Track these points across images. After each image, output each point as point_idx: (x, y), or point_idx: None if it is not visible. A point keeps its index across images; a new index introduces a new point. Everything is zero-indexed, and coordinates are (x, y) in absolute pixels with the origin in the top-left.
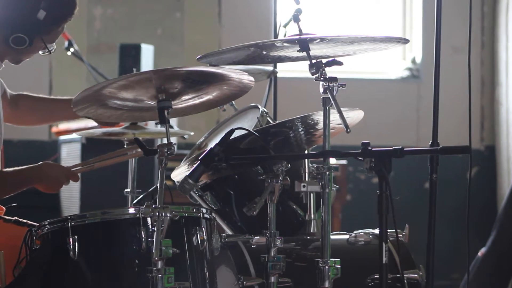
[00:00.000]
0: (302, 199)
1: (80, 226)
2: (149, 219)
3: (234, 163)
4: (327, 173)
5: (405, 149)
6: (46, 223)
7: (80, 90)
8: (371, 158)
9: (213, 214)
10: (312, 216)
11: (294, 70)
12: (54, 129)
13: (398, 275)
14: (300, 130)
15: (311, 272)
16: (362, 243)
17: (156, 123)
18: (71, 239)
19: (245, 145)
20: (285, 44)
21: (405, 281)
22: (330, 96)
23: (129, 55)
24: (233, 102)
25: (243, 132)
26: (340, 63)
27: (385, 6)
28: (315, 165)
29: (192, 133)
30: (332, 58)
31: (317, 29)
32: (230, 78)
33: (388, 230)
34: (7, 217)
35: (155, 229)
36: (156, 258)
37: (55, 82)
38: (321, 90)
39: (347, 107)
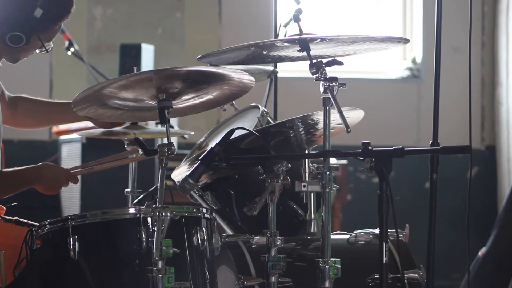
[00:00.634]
0: (303, 199)
1: (80, 226)
2: (149, 219)
3: (235, 163)
4: (328, 173)
5: (405, 149)
6: (46, 223)
7: (80, 90)
8: (371, 158)
9: (214, 214)
10: (313, 216)
11: (295, 70)
12: (54, 129)
13: (399, 275)
14: (300, 130)
15: (312, 272)
16: (363, 243)
17: (157, 123)
18: (71, 239)
19: (246, 145)
20: (286, 44)
21: (406, 281)
22: (330, 96)
23: (130, 55)
24: (233, 102)
25: (243, 132)
26: (340, 63)
27: (385, 6)
28: (315, 165)
29: (193, 133)
30: (333, 58)
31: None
32: (230, 78)
33: (389, 230)
34: (7, 217)
35: (156, 229)
36: (156, 258)
37: (55, 82)
38: (322, 90)
39: (348, 107)
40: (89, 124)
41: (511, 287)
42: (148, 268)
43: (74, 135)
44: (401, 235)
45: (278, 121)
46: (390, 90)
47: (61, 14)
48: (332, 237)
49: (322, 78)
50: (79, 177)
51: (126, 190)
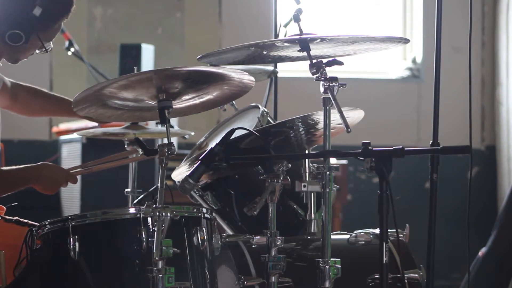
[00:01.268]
0: (303, 199)
1: (80, 226)
2: (149, 219)
3: (235, 163)
4: (328, 173)
5: (405, 149)
6: (46, 223)
7: (80, 90)
8: (371, 158)
9: (214, 214)
10: (313, 216)
11: (295, 70)
12: (54, 129)
13: (399, 275)
14: (300, 130)
15: (312, 272)
16: (363, 243)
17: (157, 123)
18: (71, 239)
19: (246, 145)
20: (286, 44)
21: (406, 281)
22: (330, 96)
23: (130, 55)
24: (233, 102)
25: (243, 132)
26: (340, 63)
27: (385, 6)
28: (315, 165)
29: (193, 133)
30: (333, 58)
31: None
32: (230, 78)
33: (389, 230)
34: (7, 217)
35: (156, 229)
36: (156, 258)
37: (55, 82)
38: (322, 90)
39: (348, 107)
40: (89, 124)
41: (511, 287)
42: (148, 268)
43: (74, 135)
44: (401, 235)
45: (278, 121)
46: (390, 90)
47: (61, 13)
48: (332, 237)
49: (322, 78)
50: (78, 177)
51: (126, 190)
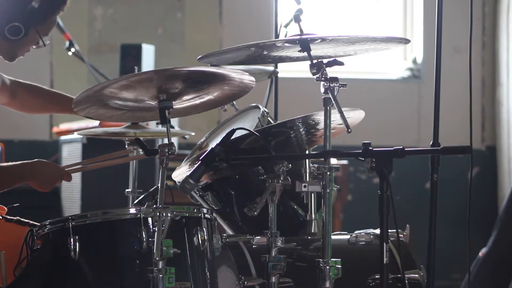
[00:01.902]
0: (303, 199)
1: (81, 226)
2: (150, 219)
3: (235, 163)
4: (328, 173)
5: (406, 149)
6: (47, 223)
7: (81, 90)
8: (372, 158)
9: (214, 214)
10: (313, 216)
11: (295, 70)
12: (55, 129)
13: (399, 275)
14: (301, 130)
15: (312, 272)
16: (363, 243)
17: (157, 123)
18: (72, 239)
19: (246, 145)
20: (286, 44)
21: (406, 281)
22: (331, 96)
23: (130, 55)
24: (234, 102)
25: (244, 132)
26: (341, 63)
27: (386, 6)
28: (316, 165)
29: (193, 133)
30: (333, 58)
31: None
32: (231, 78)
33: (389, 230)
34: (8, 217)
35: (156, 229)
36: (157, 258)
37: (56, 82)
38: (322, 90)
39: (348, 107)
40: (89, 124)
41: None
42: (149, 268)
43: (75, 135)
44: (402, 235)
45: (278, 122)
46: (390, 90)
47: (59, 4)
48: (333, 237)
49: (322, 79)
50: (79, 177)
51: (126, 190)
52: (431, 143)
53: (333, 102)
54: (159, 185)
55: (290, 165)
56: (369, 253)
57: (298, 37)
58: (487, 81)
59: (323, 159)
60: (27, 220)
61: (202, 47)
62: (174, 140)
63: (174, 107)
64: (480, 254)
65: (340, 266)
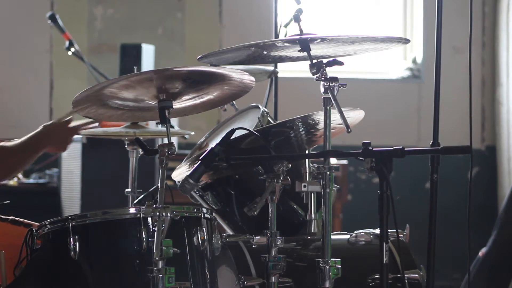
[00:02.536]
0: (303, 199)
1: (80, 226)
2: (149, 219)
3: (235, 163)
4: (328, 173)
5: (406, 149)
6: (46, 223)
7: (80, 90)
8: (372, 158)
9: (214, 214)
10: (313, 216)
11: (295, 70)
12: None
13: (399, 275)
14: (300, 130)
15: (312, 272)
16: (363, 243)
17: (157, 123)
18: (71, 239)
19: (246, 145)
20: (286, 44)
21: (406, 281)
22: (331, 96)
23: (130, 55)
24: (233, 102)
25: (244, 132)
26: (341, 63)
27: (385, 6)
28: (315, 165)
29: (193, 133)
30: (333, 58)
31: (318, 29)
32: (230, 78)
33: (389, 230)
34: (3, 216)
35: (156, 229)
36: (156, 258)
37: (56, 82)
38: (322, 90)
39: (348, 107)
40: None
41: None
42: (149, 268)
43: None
44: (402, 235)
45: (278, 121)
46: (390, 90)
47: None
48: (333, 237)
49: (322, 78)
50: (79, 176)
51: (126, 190)
52: (431, 143)
53: (333, 102)
54: (158, 185)
55: (290, 165)
56: (369, 253)
57: (298, 37)
58: (487, 81)
59: (323, 159)
60: (22, 220)
61: (202, 47)
62: (174, 140)
63: (174, 107)
64: (480, 254)
65: (340, 266)
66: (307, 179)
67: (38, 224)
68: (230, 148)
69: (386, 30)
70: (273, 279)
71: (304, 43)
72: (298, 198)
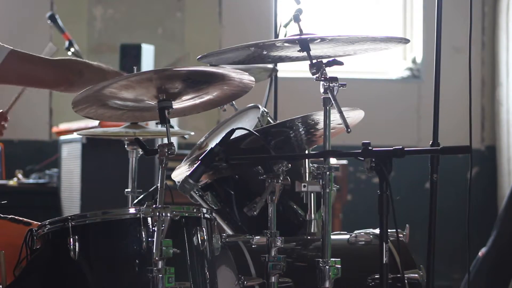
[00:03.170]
0: (303, 199)
1: (80, 226)
2: (149, 219)
3: (235, 163)
4: (328, 173)
5: (405, 149)
6: (46, 223)
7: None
8: (371, 158)
9: (214, 214)
10: (313, 216)
11: (295, 70)
12: (54, 129)
13: (399, 275)
14: (300, 130)
15: (312, 272)
16: (363, 243)
17: (157, 123)
18: (71, 239)
19: (246, 145)
20: (286, 44)
21: (406, 281)
22: (330, 96)
23: (130, 55)
24: (233, 102)
25: (243, 132)
26: (340, 63)
27: (385, 6)
28: (315, 165)
29: (193, 133)
30: (333, 58)
31: (318, 29)
32: (230, 78)
33: (389, 230)
34: (2, 215)
35: (156, 229)
36: (156, 258)
37: None
38: (322, 90)
39: (348, 107)
40: (89, 124)
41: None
42: (148, 268)
43: (74, 135)
44: (401, 235)
45: (278, 121)
46: (390, 90)
47: None
48: (332, 237)
49: (322, 78)
50: (79, 176)
51: (126, 190)
52: (430, 143)
53: (333, 102)
54: (158, 185)
55: (289, 165)
56: (369, 253)
57: (298, 37)
58: (487, 81)
59: (322, 159)
60: (21, 218)
61: (202, 47)
62: (174, 140)
63: (173, 107)
64: (480, 254)
65: (339, 266)
66: (307, 179)
67: (38, 222)
68: (230, 148)
69: (386, 30)
70: (273, 279)
71: (303, 43)
72: (298, 198)
